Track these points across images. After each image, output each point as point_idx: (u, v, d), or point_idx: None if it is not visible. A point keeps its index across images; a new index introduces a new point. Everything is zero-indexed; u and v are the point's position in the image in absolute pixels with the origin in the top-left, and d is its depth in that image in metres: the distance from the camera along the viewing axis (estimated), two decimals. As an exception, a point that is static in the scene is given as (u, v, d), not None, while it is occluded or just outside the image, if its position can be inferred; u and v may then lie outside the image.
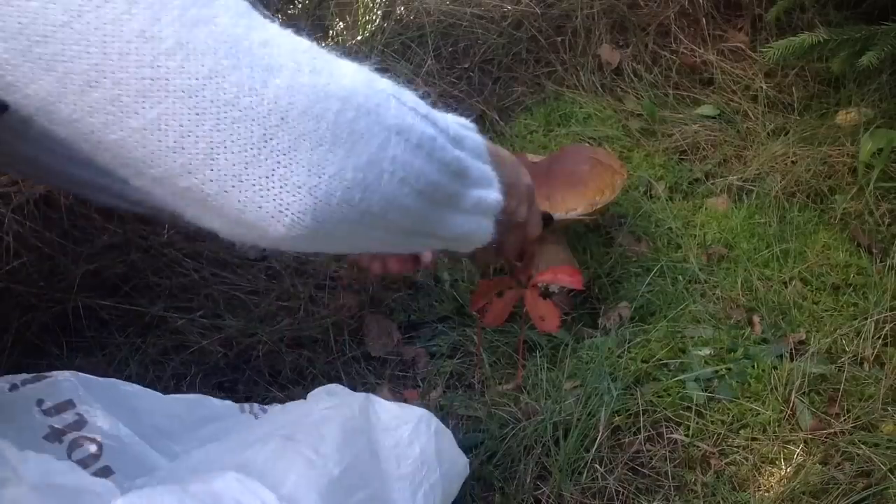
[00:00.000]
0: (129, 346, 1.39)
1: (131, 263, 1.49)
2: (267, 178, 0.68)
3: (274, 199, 0.68)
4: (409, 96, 0.79)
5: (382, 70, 1.88)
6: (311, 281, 1.52)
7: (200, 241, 1.53)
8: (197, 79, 0.66)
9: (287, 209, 0.68)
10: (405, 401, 1.32)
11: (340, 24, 2.01)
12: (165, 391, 1.28)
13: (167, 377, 1.34)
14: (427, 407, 1.24)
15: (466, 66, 1.91)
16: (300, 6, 1.94)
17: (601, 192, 1.44)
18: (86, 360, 1.36)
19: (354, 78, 0.74)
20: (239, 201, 0.68)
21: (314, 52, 0.73)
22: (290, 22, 1.94)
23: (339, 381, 1.35)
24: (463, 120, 0.90)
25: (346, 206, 0.71)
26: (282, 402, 1.30)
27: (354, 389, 1.34)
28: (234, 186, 0.68)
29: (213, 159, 0.67)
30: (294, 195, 0.68)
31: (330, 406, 0.96)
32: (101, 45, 0.66)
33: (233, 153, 0.67)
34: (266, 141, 0.68)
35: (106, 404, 0.96)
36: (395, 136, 0.75)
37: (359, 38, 1.93)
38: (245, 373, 1.37)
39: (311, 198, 0.69)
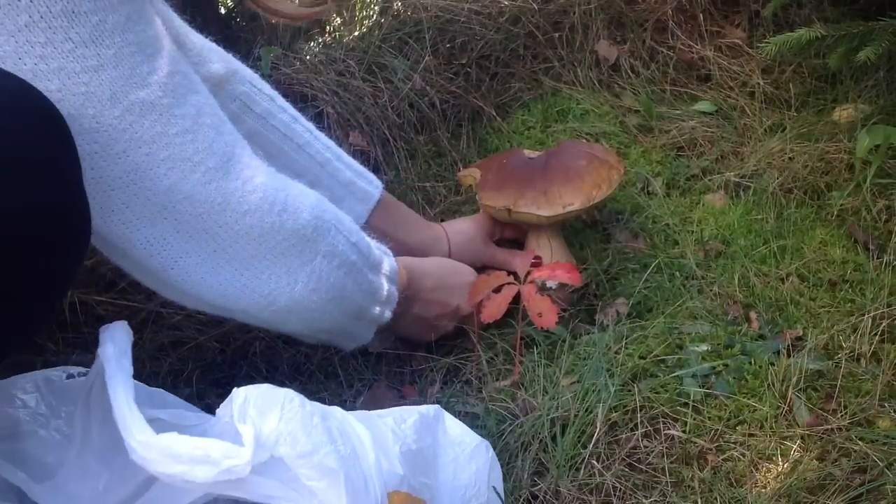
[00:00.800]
0: (126, 341, 1.39)
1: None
2: (207, 273, 1.01)
3: (207, 284, 1.02)
4: (348, 227, 1.12)
5: (381, 66, 1.88)
6: (308, 277, 1.52)
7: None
8: (190, 214, 0.97)
9: (212, 290, 1.02)
10: (402, 397, 1.32)
11: (338, 19, 2.00)
12: (162, 387, 1.28)
13: (164, 373, 1.34)
14: (424, 403, 1.24)
15: (464, 61, 1.91)
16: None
17: (598, 187, 1.44)
18: (82, 356, 1.36)
19: (311, 213, 1.06)
20: (186, 283, 1.01)
21: (288, 194, 1.04)
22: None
23: (335, 377, 1.35)
24: (385, 247, 1.22)
25: (255, 296, 1.04)
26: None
27: (352, 386, 1.35)
28: (186, 277, 1.01)
29: (176, 262, 0.99)
30: (221, 285, 1.02)
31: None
32: (136, 191, 0.94)
33: (191, 257, 0.99)
34: (213, 252, 1.00)
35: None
36: (321, 257, 1.07)
37: (356, 33, 1.92)
38: (242, 369, 1.37)
39: (232, 288, 1.03)
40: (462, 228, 1.51)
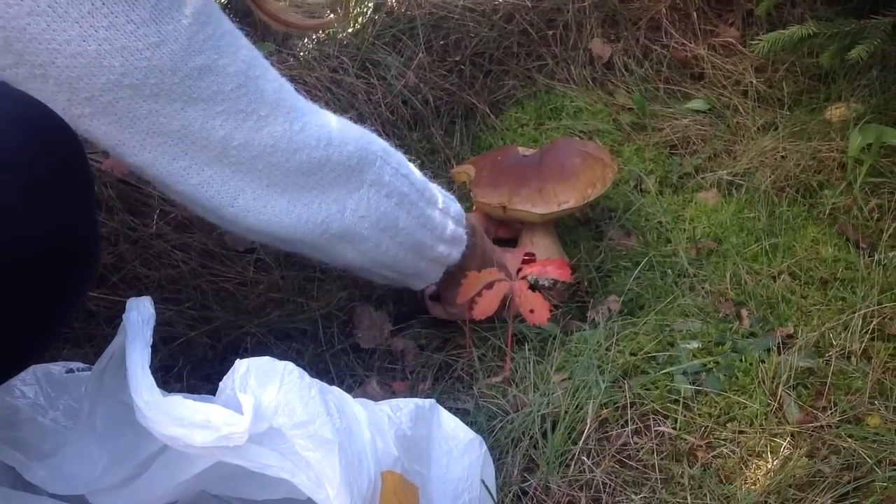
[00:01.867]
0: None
1: (119, 254, 1.48)
2: (263, 207, 1.06)
3: (265, 218, 1.07)
4: (396, 159, 1.18)
5: (374, 62, 1.87)
6: (300, 273, 1.52)
7: (189, 233, 1.52)
8: (245, 157, 1.02)
9: (271, 223, 1.07)
10: (393, 393, 1.32)
11: (331, 15, 1.99)
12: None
13: (154, 368, 1.33)
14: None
15: (457, 59, 1.91)
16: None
17: (592, 185, 1.44)
18: (73, 351, 1.36)
19: (355, 144, 1.11)
20: (247, 218, 1.07)
21: (333, 129, 1.09)
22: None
23: (327, 373, 1.35)
24: (448, 194, 1.29)
25: (310, 224, 1.10)
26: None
27: (343, 381, 1.34)
28: (246, 213, 1.06)
29: (235, 200, 1.04)
30: (279, 216, 1.07)
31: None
32: (194, 140, 0.98)
33: (247, 194, 1.04)
34: (266, 186, 1.05)
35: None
36: (368, 185, 1.13)
37: (350, 30, 1.92)
38: (233, 365, 1.36)
39: (288, 218, 1.08)
40: (472, 224, 1.50)
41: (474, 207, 1.53)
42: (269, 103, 1.02)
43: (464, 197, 1.68)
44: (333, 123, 1.11)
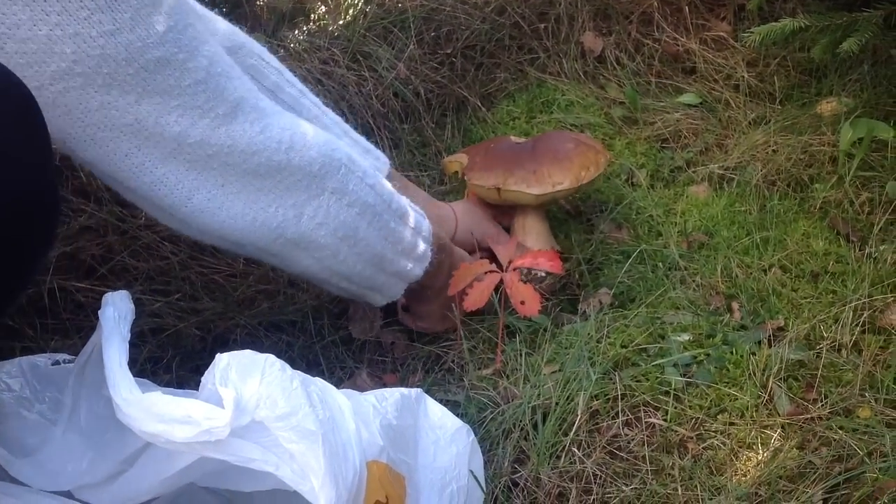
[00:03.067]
0: (105, 328, 1.37)
1: (108, 246, 1.47)
2: (218, 208, 1.03)
3: (219, 219, 1.04)
4: (362, 169, 1.15)
5: (365, 54, 1.87)
6: (290, 265, 1.51)
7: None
8: (200, 155, 0.99)
9: (224, 225, 1.05)
10: (384, 385, 1.31)
11: (322, 7, 1.99)
12: (141, 374, 1.28)
13: (143, 360, 1.33)
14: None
15: (449, 51, 1.90)
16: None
17: (586, 168, 1.44)
18: (61, 342, 1.35)
19: (318, 150, 1.09)
20: (200, 219, 1.04)
21: (297, 133, 1.07)
22: (271, 5, 1.93)
23: (317, 365, 1.34)
24: (418, 209, 1.26)
25: (264, 228, 1.07)
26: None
27: (333, 373, 1.34)
28: (199, 213, 1.03)
29: (189, 199, 1.02)
30: (233, 218, 1.05)
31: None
32: (148, 135, 0.95)
33: (202, 193, 1.01)
34: (221, 186, 1.02)
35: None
36: (329, 193, 1.10)
37: (340, 21, 1.91)
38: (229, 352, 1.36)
39: (242, 221, 1.05)
40: (470, 208, 1.51)
41: (468, 192, 1.52)
42: (229, 102, 0.99)
43: (454, 190, 1.68)
44: (298, 128, 1.09)
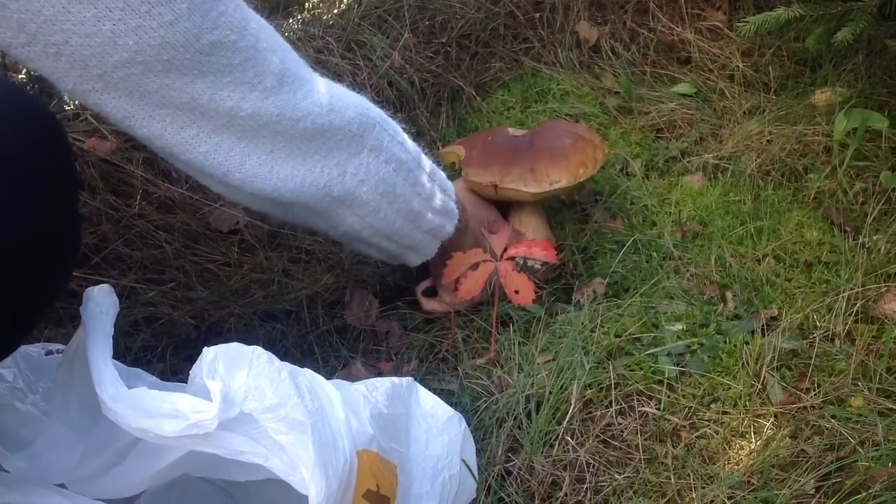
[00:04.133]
0: (100, 317, 1.37)
1: (102, 234, 1.47)
2: (269, 172, 1.07)
3: (270, 182, 1.08)
4: (393, 127, 1.20)
5: (360, 43, 1.86)
6: (285, 254, 1.51)
7: (172, 214, 1.51)
8: (251, 126, 1.03)
9: (276, 187, 1.09)
10: (379, 373, 1.32)
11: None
12: (135, 362, 1.28)
13: (137, 348, 1.33)
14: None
15: (444, 40, 1.90)
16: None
17: (584, 165, 1.44)
18: (55, 330, 1.35)
19: (355, 110, 1.13)
20: (253, 183, 1.07)
21: (333, 95, 1.10)
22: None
23: (311, 354, 1.35)
24: (437, 167, 1.29)
25: (313, 188, 1.11)
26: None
27: (327, 362, 1.34)
28: (252, 178, 1.07)
29: (242, 165, 1.05)
30: (283, 181, 1.09)
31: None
32: (203, 110, 0.99)
33: (253, 160, 1.05)
34: (271, 152, 1.07)
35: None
36: (368, 150, 1.15)
37: (335, 10, 1.91)
38: (216, 345, 1.36)
39: (292, 183, 1.09)
40: (468, 194, 1.49)
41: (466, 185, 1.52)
42: (275, 74, 1.03)
43: (450, 178, 1.67)
44: (333, 90, 1.13)
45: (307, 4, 1.97)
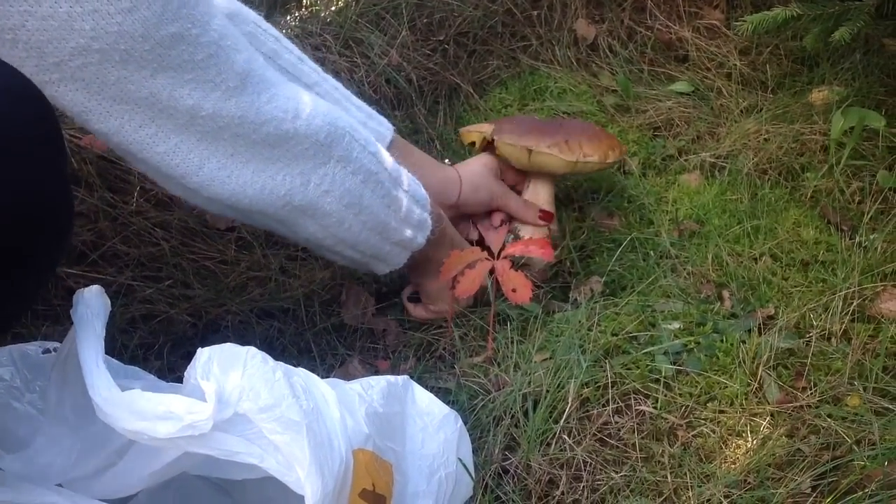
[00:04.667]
0: (97, 314, 1.37)
1: (99, 232, 1.47)
2: (228, 177, 1.05)
3: (229, 188, 1.06)
4: (365, 137, 1.17)
5: (357, 40, 1.85)
6: (282, 252, 1.51)
7: (169, 211, 1.51)
8: (211, 127, 1.00)
9: (234, 193, 1.06)
10: (376, 371, 1.32)
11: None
12: (132, 360, 1.28)
13: (134, 346, 1.32)
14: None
15: (441, 38, 1.90)
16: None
17: (613, 149, 1.48)
18: (52, 327, 1.35)
19: (324, 119, 1.10)
20: (211, 187, 1.05)
21: (301, 102, 1.08)
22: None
23: (308, 352, 1.35)
24: (414, 178, 1.25)
25: (272, 196, 1.09)
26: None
27: (325, 360, 1.34)
28: (210, 182, 1.04)
29: (200, 169, 1.03)
30: (242, 187, 1.06)
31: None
32: (162, 108, 0.96)
33: (212, 163, 1.03)
34: (231, 156, 1.04)
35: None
36: (335, 161, 1.12)
37: (333, 8, 1.91)
38: (213, 343, 1.35)
39: (251, 189, 1.07)
40: (475, 170, 1.50)
41: (478, 150, 1.53)
42: (239, 74, 1.01)
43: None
44: (303, 97, 1.10)
45: (305, 1, 1.97)
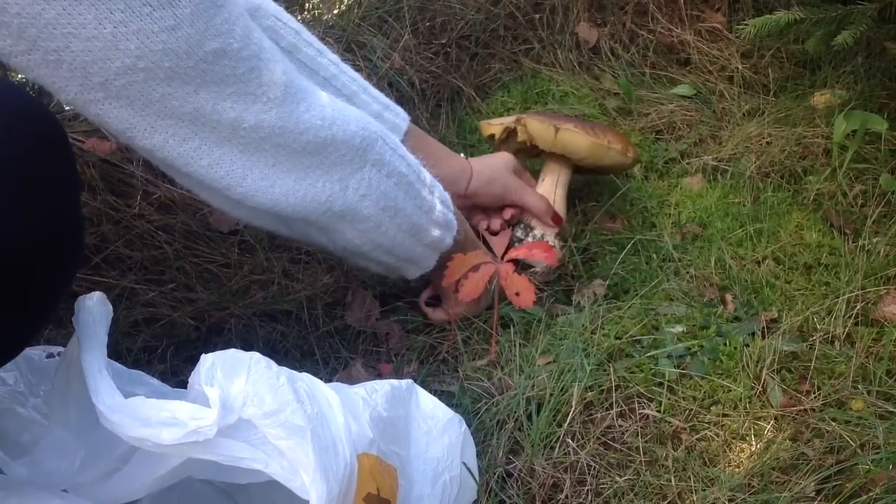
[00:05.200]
0: (100, 318, 1.37)
1: (102, 235, 1.47)
2: (270, 186, 1.06)
3: (272, 197, 1.07)
4: (394, 140, 1.19)
5: (360, 44, 1.86)
6: (285, 255, 1.51)
7: (172, 214, 1.51)
8: (253, 138, 1.01)
9: (278, 201, 1.07)
10: (379, 375, 1.32)
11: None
12: (136, 363, 1.28)
13: (137, 349, 1.32)
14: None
15: (444, 41, 1.90)
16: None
17: (632, 147, 1.55)
18: (55, 331, 1.35)
19: (357, 124, 1.12)
20: (255, 197, 1.06)
21: (335, 108, 1.10)
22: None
23: (311, 355, 1.35)
24: (435, 179, 1.27)
25: (314, 203, 1.10)
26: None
27: (328, 363, 1.34)
28: (254, 192, 1.05)
29: (244, 179, 1.04)
30: (285, 195, 1.07)
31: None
32: (205, 121, 0.97)
33: (255, 174, 1.04)
34: (273, 166, 1.05)
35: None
36: (370, 165, 1.14)
37: (335, 11, 1.91)
38: (216, 346, 1.35)
39: (294, 197, 1.08)
40: (490, 163, 1.51)
41: (520, 137, 1.54)
42: (278, 85, 1.02)
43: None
44: (335, 103, 1.12)
45: (307, 5, 1.97)
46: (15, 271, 0.81)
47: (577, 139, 1.48)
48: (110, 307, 0.94)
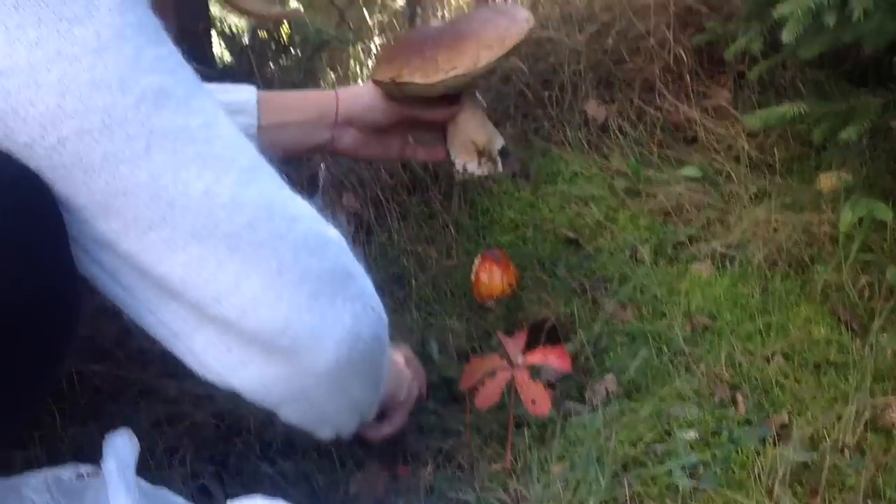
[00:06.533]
0: (122, 415, 1.39)
1: (122, 327, 1.49)
2: (278, 300, 0.89)
3: (275, 313, 0.90)
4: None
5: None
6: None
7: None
8: (239, 225, 0.85)
9: (287, 321, 0.91)
10: (395, 478, 1.34)
11: (332, 74, 2.02)
12: (158, 468, 1.30)
13: (160, 451, 1.34)
14: (417, 486, 1.26)
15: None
16: (293, 57, 1.95)
17: (488, 46, 1.34)
18: (79, 429, 1.37)
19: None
20: (256, 319, 0.89)
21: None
22: (283, 73, 1.96)
23: (328, 456, 1.36)
24: None
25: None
26: (271, 477, 1.32)
27: (343, 464, 1.36)
28: (252, 309, 0.88)
29: (237, 287, 0.87)
30: (297, 313, 0.92)
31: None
32: (170, 199, 0.82)
33: (252, 281, 0.87)
34: (279, 273, 0.89)
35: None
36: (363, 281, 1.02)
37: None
38: (236, 445, 1.38)
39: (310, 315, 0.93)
40: (359, 92, 1.43)
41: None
42: (248, 154, 0.88)
43: (461, 265, 1.70)
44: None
45: (322, 83, 2.00)
46: (7, 336, 0.78)
47: (419, 89, 1.34)
48: (137, 444, 0.97)
